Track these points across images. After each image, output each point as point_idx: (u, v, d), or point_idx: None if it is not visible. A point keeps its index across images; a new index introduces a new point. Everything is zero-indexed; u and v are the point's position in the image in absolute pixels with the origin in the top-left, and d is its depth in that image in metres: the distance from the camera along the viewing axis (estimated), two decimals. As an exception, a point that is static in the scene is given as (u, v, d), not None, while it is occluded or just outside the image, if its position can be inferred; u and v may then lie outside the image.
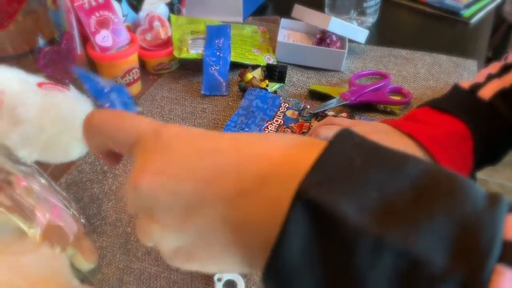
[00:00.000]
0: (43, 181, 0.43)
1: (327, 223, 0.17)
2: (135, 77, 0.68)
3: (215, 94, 0.70)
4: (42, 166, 0.45)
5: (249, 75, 0.68)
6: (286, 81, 0.72)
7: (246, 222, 0.19)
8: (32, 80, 0.45)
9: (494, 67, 0.52)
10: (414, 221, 0.16)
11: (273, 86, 0.70)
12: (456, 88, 0.52)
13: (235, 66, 0.73)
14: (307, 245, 0.17)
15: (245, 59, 0.73)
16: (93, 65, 0.66)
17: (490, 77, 0.51)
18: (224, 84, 0.71)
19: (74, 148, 0.45)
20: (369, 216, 0.16)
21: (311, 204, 0.17)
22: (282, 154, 0.20)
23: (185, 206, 0.20)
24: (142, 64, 0.72)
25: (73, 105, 0.46)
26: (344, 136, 0.19)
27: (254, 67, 0.71)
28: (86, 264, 0.44)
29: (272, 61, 0.75)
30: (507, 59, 0.51)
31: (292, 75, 0.74)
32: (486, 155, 0.48)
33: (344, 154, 0.18)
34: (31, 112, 0.42)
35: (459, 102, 0.50)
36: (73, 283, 0.41)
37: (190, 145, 0.21)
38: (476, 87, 0.50)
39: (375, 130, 0.49)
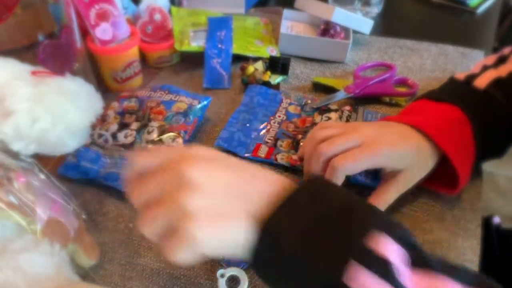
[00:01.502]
0: (42, 176, 0.43)
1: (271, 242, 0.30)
2: (136, 71, 0.68)
3: (217, 88, 0.69)
4: (42, 161, 0.44)
5: (251, 68, 0.67)
6: (289, 74, 0.71)
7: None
8: (26, 68, 0.44)
9: (490, 59, 0.54)
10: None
11: (276, 78, 0.69)
12: (451, 80, 0.54)
13: (237, 58, 0.72)
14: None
15: (248, 51, 0.72)
16: (93, 59, 0.65)
17: (485, 68, 0.52)
18: (226, 77, 0.70)
19: (71, 138, 0.43)
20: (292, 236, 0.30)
21: (266, 231, 0.30)
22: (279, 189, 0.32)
23: (219, 214, 0.30)
24: (143, 58, 0.71)
25: (68, 92, 0.44)
26: (303, 188, 0.32)
27: (255, 59, 0.70)
28: (87, 260, 0.44)
29: (275, 53, 0.74)
30: (504, 52, 0.53)
31: (296, 67, 0.73)
32: (489, 145, 0.49)
33: (298, 201, 0.31)
34: (22, 101, 0.40)
35: (454, 91, 0.52)
36: (73, 280, 0.40)
37: (226, 185, 0.32)
38: (471, 77, 0.51)
39: (377, 126, 0.49)
